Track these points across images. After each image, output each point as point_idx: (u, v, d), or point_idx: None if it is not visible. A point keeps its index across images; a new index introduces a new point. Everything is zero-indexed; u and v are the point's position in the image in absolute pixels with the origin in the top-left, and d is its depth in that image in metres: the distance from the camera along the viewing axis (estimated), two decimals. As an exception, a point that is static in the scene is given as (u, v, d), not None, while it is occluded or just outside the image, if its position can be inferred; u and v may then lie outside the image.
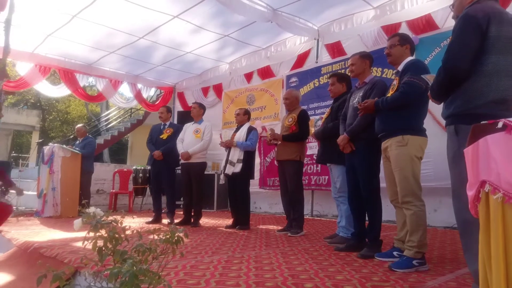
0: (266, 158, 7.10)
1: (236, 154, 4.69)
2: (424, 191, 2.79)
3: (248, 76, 8.04)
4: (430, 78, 2.17)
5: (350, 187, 3.26)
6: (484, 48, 1.87)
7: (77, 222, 1.63)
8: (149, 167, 6.14)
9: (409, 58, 2.80)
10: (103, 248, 1.50)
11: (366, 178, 3.07)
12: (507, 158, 1.11)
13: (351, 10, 5.91)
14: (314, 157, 5.49)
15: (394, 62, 2.89)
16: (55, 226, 4.75)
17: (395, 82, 2.78)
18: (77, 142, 6.88)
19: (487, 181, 1.15)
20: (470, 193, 1.23)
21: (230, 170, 4.68)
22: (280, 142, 4.32)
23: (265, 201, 7.48)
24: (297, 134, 4.26)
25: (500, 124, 1.15)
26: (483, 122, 1.24)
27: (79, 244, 3.14)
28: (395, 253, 2.78)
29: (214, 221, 5.71)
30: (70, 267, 2.13)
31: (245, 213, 4.78)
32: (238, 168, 4.64)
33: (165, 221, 5.27)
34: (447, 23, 4.91)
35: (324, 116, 4.06)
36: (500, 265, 1.07)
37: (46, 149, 6.37)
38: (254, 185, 5.26)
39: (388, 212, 3.37)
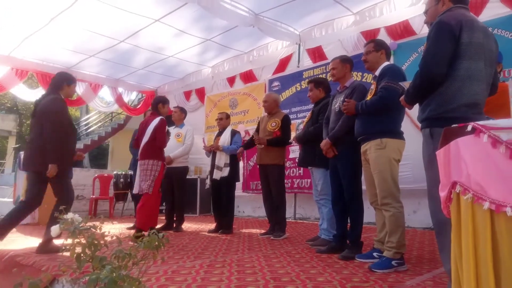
0: (249, 162, 7.11)
1: (223, 159, 4.68)
2: (403, 193, 2.86)
3: (231, 80, 8.05)
4: (407, 84, 2.24)
5: (334, 190, 3.30)
6: (457, 54, 1.95)
7: (55, 228, 1.60)
8: (130, 172, 6.05)
9: (386, 63, 2.88)
10: (82, 255, 1.48)
11: (349, 180, 3.12)
12: (476, 160, 1.16)
13: (331, 15, 6.02)
14: (297, 161, 5.54)
15: (371, 67, 2.96)
16: (32, 234, 4.62)
17: (373, 87, 2.86)
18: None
19: (458, 182, 1.19)
20: (442, 194, 1.27)
21: (218, 175, 4.65)
22: (264, 146, 4.33)
23: (248, 204, 7.48)
24: (281, 139, 4.29)
25: (469, 128, 1.19)
26: (454, 125, 1.29)
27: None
28: (375, 254, 2.83)
29: (197, 225, 5.67)
30: (48, 274, 2.07)
31: (229, 217, 4.77)
32: (225, 172, 4.63)
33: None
34: (424, 29, 5.05)
35: (305, 120, 4.10)
36: (470, 264, 1.11)
37: (23, 154, 6.20)
38: (237, 189, 5.27)
39: (369, 214, 3.42)
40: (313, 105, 4.04)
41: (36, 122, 3.35)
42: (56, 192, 3.36)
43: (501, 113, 2.80)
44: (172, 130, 5.21)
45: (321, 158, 3.39)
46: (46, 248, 3.11)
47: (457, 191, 1.20)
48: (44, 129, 3.23)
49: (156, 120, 4.13)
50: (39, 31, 6.17)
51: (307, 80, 6.42)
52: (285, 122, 4.34)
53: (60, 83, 3.48)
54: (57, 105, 3.35)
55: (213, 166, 4.75)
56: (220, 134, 4.95)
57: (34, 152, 3.31)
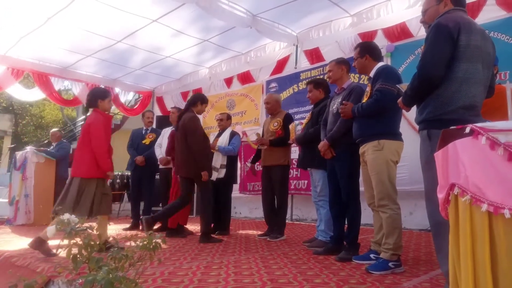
0: (246, 163, 7.09)
1: (219, 160, 4.66)
2: (400, 195, 2.86)
3: (228, 81, 8.04)
4: (404, 87, 2.25)
5: (331, 192, 3.30)
6: (455, 56, 1.95)
7: (51, 229, 1.59)
8: (127, 173, 6.04)
9: (380, 65, 2.87)
10: (78, 256, 1.47)
11: (346, 182, 3.12)
12: (474, 162, 1.16)
13: (329, 17, 6.02)
14: (295, 162, 5.53)
15: (361, 72, 3.00)
16: (27, 234, 4.59)
17: (368, 89, 2.86)
18: (51, 147, 6.68)
19: (456, 184, 1.19)
20: (441, 195, 1.27)
21: (214, 176, 4.63)
22: (267, 147, 4.32)
23: (245, 206, 7.47)
24: (283, 138, 4.27)
25: (467, 129, 1.19)
26: (452, 127, 1.29)
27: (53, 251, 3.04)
28: (372, 255, 2.83)
29: (193, 226, 5.64)
30: (43, 276, 2.06)
31: (226, 218, 4.75)
32: (222, 173, 4.61)
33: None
34: (421, 31, 5.07)
35: (305, 121, 4.08)
36: (468, 265, 1.11)
37: (19, 154, 6.17)
38: (234, 190, 5.27)
39: (366, 215, 3.43)
40: (312, 106, 4.04)
41: (180, 136, 4.08)
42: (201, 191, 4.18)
43: (498, 115, 2.81)
44: (169, 130, 5.20)
45: (321, 159, 3.39)
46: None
47: (455, 193, 1.21)
48: (192, 145, 3.95)
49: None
50: (36, 30, 6.13)
51: (304, 81, 6.43)
52: (287, 121, 4.33)
53: (195, 101, 4.24)
54: (196, 123, 4.09)
55: (210, 167, 4.73)
56: (220, 135, 4.94)
57: (186, 161, 4.04)
